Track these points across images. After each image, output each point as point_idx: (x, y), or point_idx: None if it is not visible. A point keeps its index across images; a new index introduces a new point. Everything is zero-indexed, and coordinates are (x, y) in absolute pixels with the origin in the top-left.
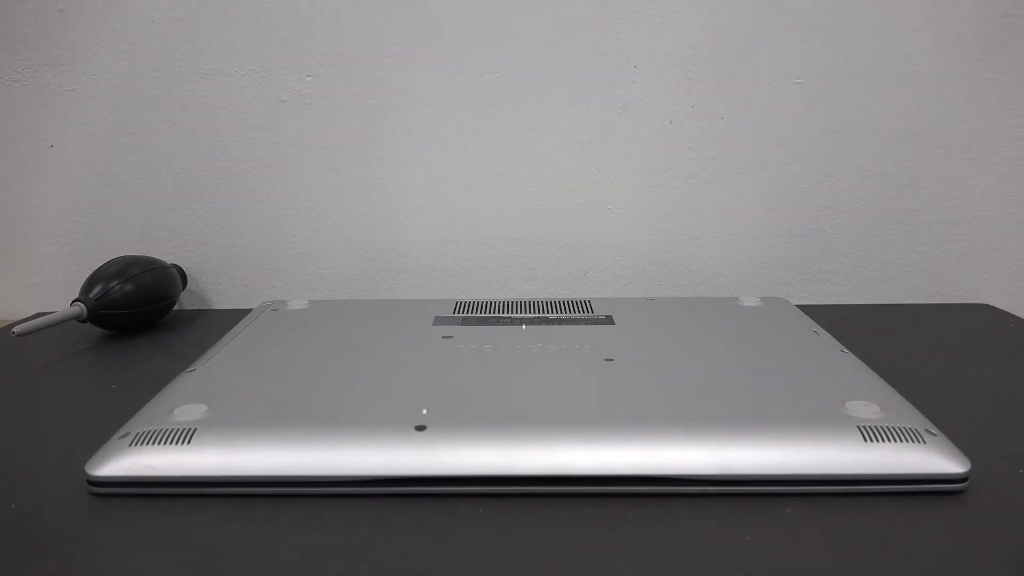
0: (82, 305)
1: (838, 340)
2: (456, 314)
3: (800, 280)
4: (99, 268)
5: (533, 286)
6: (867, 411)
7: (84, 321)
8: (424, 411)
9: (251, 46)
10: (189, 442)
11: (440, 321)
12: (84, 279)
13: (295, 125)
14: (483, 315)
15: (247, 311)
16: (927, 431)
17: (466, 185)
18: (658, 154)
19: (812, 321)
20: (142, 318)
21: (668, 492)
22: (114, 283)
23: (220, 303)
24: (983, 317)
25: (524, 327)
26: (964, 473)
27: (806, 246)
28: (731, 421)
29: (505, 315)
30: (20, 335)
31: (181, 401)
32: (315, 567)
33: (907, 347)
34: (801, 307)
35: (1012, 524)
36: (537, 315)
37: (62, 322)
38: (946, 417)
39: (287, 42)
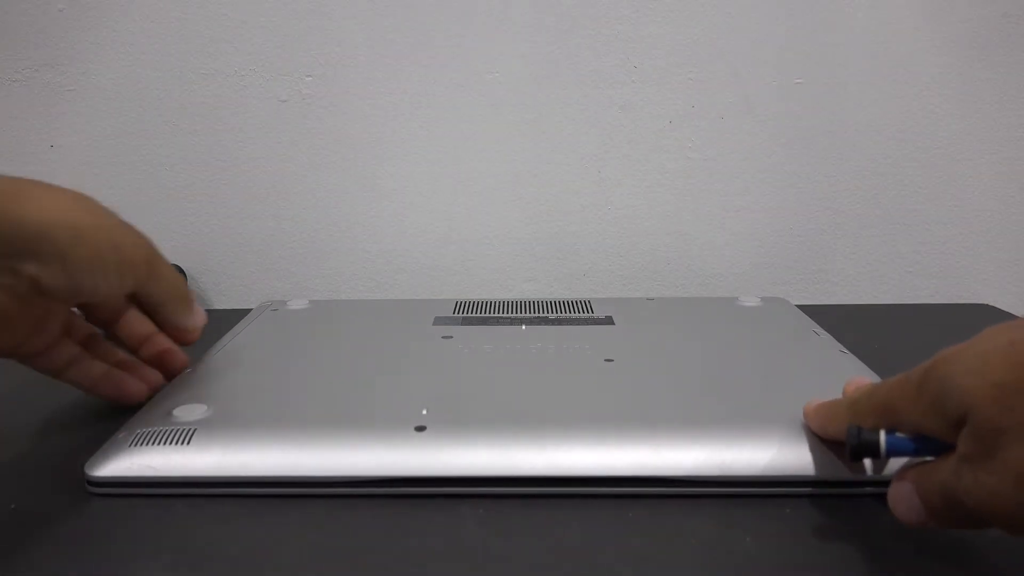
0: None
1: (838, 340)
2: (456, 314)
3: (800, 280)
4: None
5: (533, 286)
6: None
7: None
8: (424, 411)
9: (251, 46)
10: (189, 442)
11: (440, 321)
12: None
13: (295, 125)
14: (483, 315)
15: (247, 311)
16: None
17: (466, 185)
18: (658, 154)
19: (812, 321)
20: None
21: (668, 493)
22: None
23: (220, 303)
24: (983, 317)
25: (524, 327)
26: None
27: (806, 246)
28: (731, 422)
29: (505, 315)
30: None
31: (181, 401)
32: (315, 567)
33: (907, 347)
34: (801, 307)
35: None
36: (537, 315)
37: None
38: None
39: (287, 42)
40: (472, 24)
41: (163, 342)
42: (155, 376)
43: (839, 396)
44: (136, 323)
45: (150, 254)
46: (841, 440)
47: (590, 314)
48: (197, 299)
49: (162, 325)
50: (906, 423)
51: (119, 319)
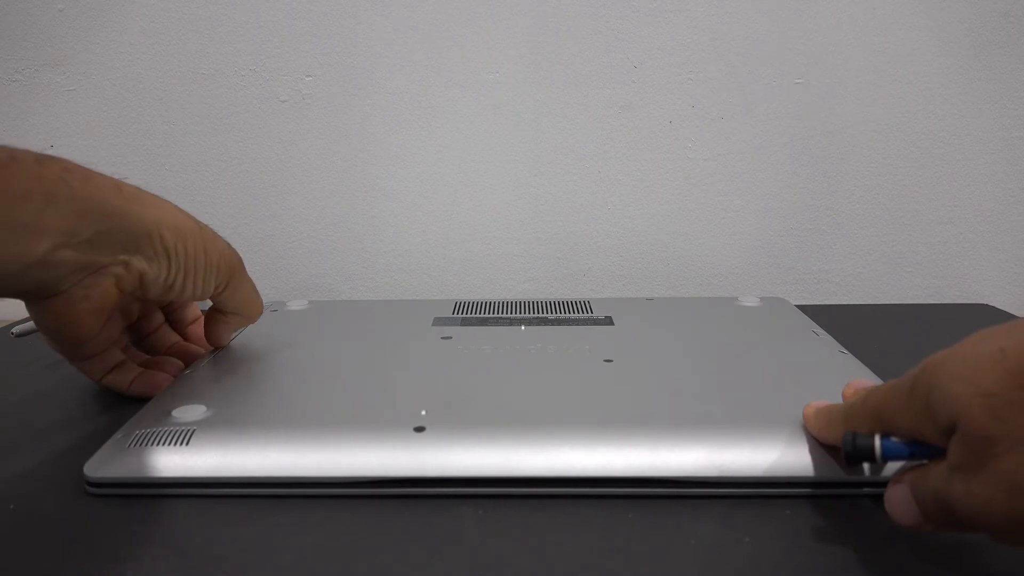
0: None
1: (838, 340)
2: (456, 314)
3: (800, 280)
4: None
5: (533, 286)
6: None
7: None
8: (423, 412)
9: (251, 46)
10: (188, 443)
11: (439, 321)
12: None
13: (295, 125)
14: (482, 315)
15: None
16: None
17: (466, 185)
18: (658, 154)
19: (812, 321)
20: None
21: (667, 493)
22: None
23: None
24: (983, 317)
25: (523, 328)
26: None
27: (806, 246)
28: (730, 423)
29: (504, 315)
30: (19, 336)
31: (180, 402)
32: (314, 567)
33: (907, 347)
34: (801, 307)
35: None
36: (536, 315)
37: None
38: None
39: (287, 42)
40: (472, 24)
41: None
42: (177, 365)
43: (838, 397)
44: (169, 332)
45: (234, 267)
46: (838, 445)
47: (589, 314)
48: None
49: (209, 323)
50: (900, 428)
51: (159, 328)
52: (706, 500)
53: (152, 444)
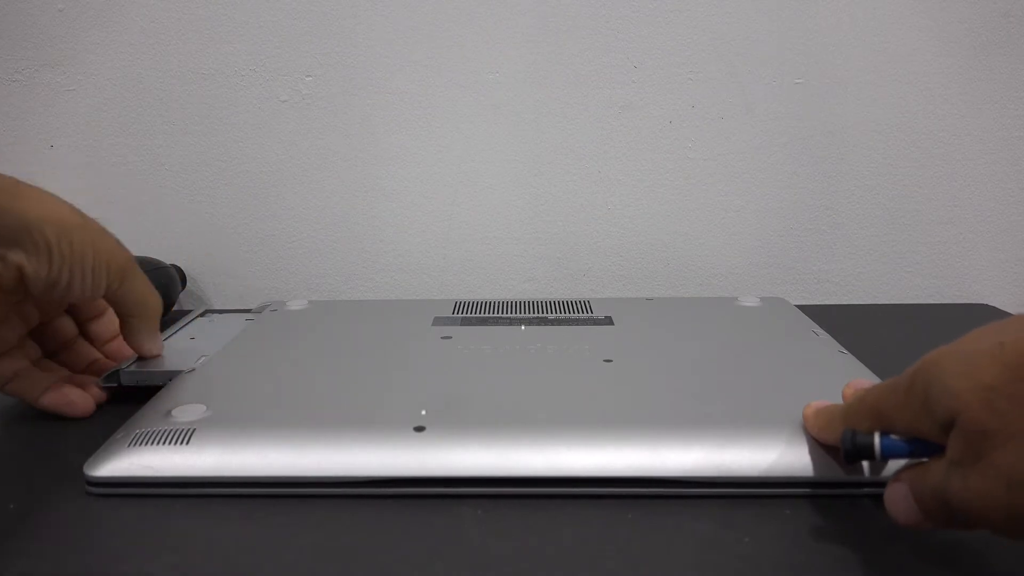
0: None
1: (838, 340)
2: (455, 314)
3: (800, 280)
4: None
5: (533, 286)
6: None
7: None
8: (423, 412)
9: (251, 46)
10: (188, 442)
11: (439, 321)
12: None
13: (295, 125)
14: (482, 315)
15: (247, 311)
16: None
17: (466, 185)
18: (658, 154)
19: (812, 321)
20: None
21: (667, 493)
22: None
23: (220, 303)
24: (983, 317)
25: (523, 327)
26: None
27: (806, 246)
28: (730, 422)
29: (504, 315)
30: None
31: (180, 401)
32: (314, 567)
33: (907, 347)
34: (801, 307)
35: None
36: (536, 315)
37: None
38: None
39: (287, 42)
40: (472, 24)
41: (96, 353)
42: (100, 393)
43: (838, 397)
44: (85, 347)
45: (126, 264)
46: (838, 445)
47: (589, 314)
48: (197, 299)
49: (126, 337)
50: (899, 425)
51: (74, 339)
52: (706, 500)
53: (152, 443)
